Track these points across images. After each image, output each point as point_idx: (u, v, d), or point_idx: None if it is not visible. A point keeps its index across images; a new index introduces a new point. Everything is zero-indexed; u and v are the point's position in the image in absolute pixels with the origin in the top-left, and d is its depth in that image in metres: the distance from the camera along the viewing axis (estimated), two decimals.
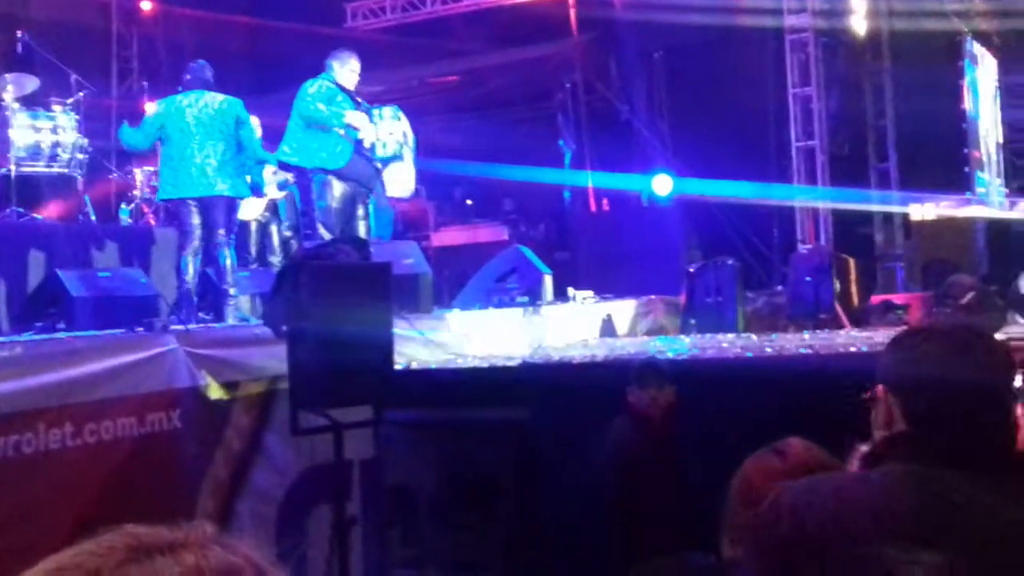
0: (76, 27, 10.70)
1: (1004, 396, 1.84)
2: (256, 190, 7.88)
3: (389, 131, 7.26)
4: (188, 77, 6.99)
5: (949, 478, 1.73)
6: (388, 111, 7.37)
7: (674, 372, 4.84)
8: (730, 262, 8.89)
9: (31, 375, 4.21)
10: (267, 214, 8.79)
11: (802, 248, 11.00)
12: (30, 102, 8.73)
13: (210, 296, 6.98)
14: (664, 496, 4.32)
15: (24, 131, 8.34)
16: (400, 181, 7.56)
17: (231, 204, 6.81)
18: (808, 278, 9.31)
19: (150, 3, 11.55)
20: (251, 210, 8.70)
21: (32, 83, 8.89)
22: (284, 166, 7.75)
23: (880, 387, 1.89)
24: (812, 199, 11.34)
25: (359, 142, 7.13)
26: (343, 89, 7.29)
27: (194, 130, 6.64)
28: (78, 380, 4.38)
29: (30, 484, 4.12)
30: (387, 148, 7.27)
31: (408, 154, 7.50)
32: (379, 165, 7.35)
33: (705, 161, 10.89)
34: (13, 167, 8.21)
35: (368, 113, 7.28)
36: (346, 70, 7.35)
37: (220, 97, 6.80)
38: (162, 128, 6.75)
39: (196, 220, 6.63)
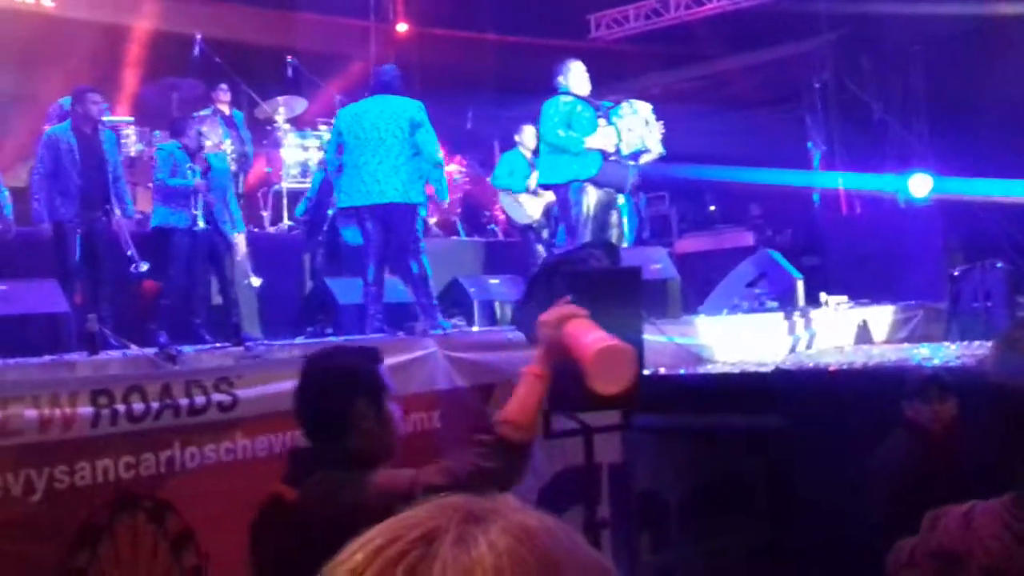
0: (339, 51, 11.39)
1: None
2: (436, 196, 7.87)
3: (628, 127, 7.16)
4: (372, 83, 6.89)
5: None
6: (625, 107, 7.24)
7: (958, 385, 4.53)
8: (999, 265, 8.30)
9: None
10: (542, 219, 8.91)
11: None
12: (299, 123, 9.42)
13: (461, 303, 7.21)
14: None
15: (294, 150, 9.00)
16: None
17: (409, 211, 6.52)
18: None
19: (406, 25, 12.14)
20: (531, 211, 8.89)
21: (301, 105, 9.57)
22: (545, 187, 7.84)
23: None
24: None
25: (603, 150, 7.14)
26: (579, 98, 7.22)
27: (368, 136, 6.50)
28: None
29: None
30: (630, 145, 7.20)
31: (652, 140, 7.31)
32: (630, 163, 7.29)
33: (967, 159, 10.22)
34: (285, 184, 8.88)
35: (607, 116, 7.20)
36: (575, 78, 7.25)
37: (397, 100, 6.62)
38: (340, 137, 6.67)
39: (371, 227, 6.49)
